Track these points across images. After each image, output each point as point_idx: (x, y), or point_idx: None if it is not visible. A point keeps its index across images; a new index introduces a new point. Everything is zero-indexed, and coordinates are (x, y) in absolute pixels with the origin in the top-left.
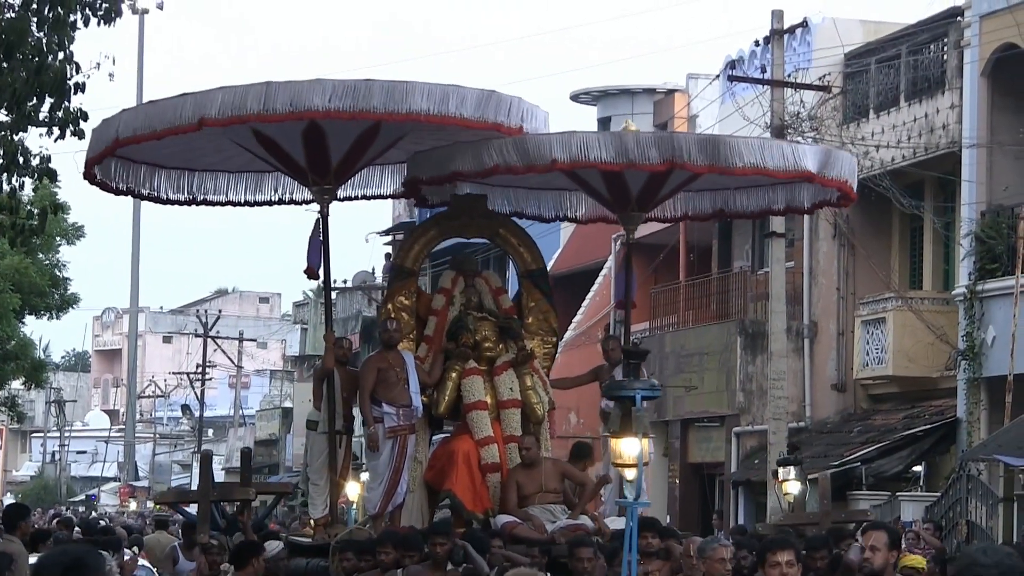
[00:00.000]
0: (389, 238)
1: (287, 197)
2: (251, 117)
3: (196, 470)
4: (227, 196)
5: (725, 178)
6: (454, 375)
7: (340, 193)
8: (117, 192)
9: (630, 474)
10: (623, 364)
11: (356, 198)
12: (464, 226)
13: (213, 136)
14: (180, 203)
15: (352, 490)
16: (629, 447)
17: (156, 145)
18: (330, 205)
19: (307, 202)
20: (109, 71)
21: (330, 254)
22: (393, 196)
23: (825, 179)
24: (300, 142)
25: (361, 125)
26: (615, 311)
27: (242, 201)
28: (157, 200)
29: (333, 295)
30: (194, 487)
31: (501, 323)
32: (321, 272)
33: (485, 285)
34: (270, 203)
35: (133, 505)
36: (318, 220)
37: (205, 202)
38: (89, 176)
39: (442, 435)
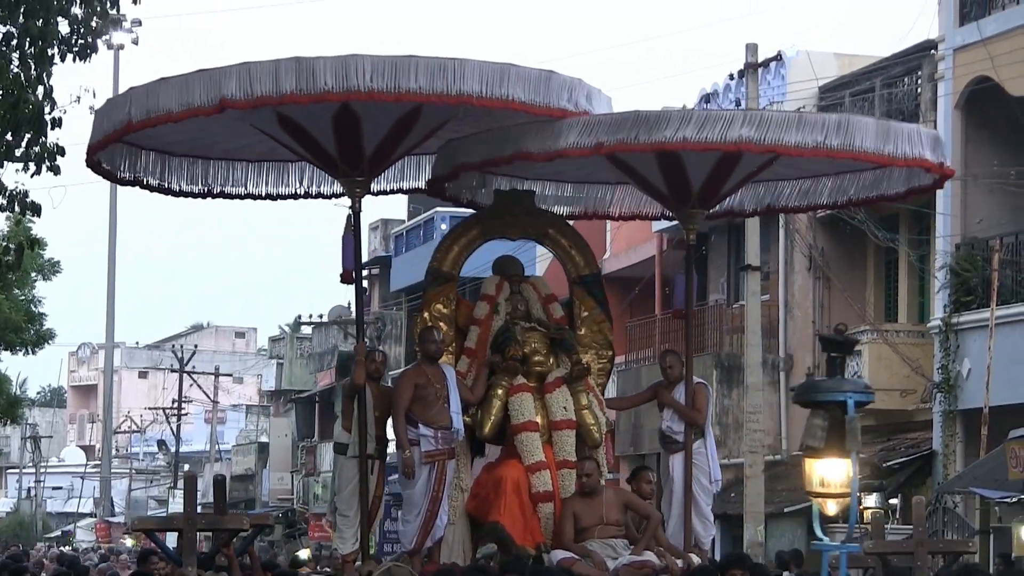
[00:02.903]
0: (365, 272)
1: (313, 190)
2: (281, 99)
3: (171, 502)
4: (247, 188)
5: (799, 167)
6: (500, 392)
7: (373, 187)
8: (122, 182)
9: (832, 507)
10: (826, 359)
11: (392, 191)
12: (508, 225)
13: (230, 120)
14: (193, 195)
15: None
16: (835, 471)
17: (166, 130)
18: (362, 200)
19: (336, 195)
20: (90, 104)
21: (361, 252)
22: (426, 191)
23: (928, 163)
24: (330, 128)
25: (400, 109)
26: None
27: (263, 194)
28: (168, 192)
29: (308, 329)
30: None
31: (553, 334)
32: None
33: (533, 292)
34: (295, 196)
35: (129, 542)
36: (349, 216)
37: (222, 195)
38: (92, 163)
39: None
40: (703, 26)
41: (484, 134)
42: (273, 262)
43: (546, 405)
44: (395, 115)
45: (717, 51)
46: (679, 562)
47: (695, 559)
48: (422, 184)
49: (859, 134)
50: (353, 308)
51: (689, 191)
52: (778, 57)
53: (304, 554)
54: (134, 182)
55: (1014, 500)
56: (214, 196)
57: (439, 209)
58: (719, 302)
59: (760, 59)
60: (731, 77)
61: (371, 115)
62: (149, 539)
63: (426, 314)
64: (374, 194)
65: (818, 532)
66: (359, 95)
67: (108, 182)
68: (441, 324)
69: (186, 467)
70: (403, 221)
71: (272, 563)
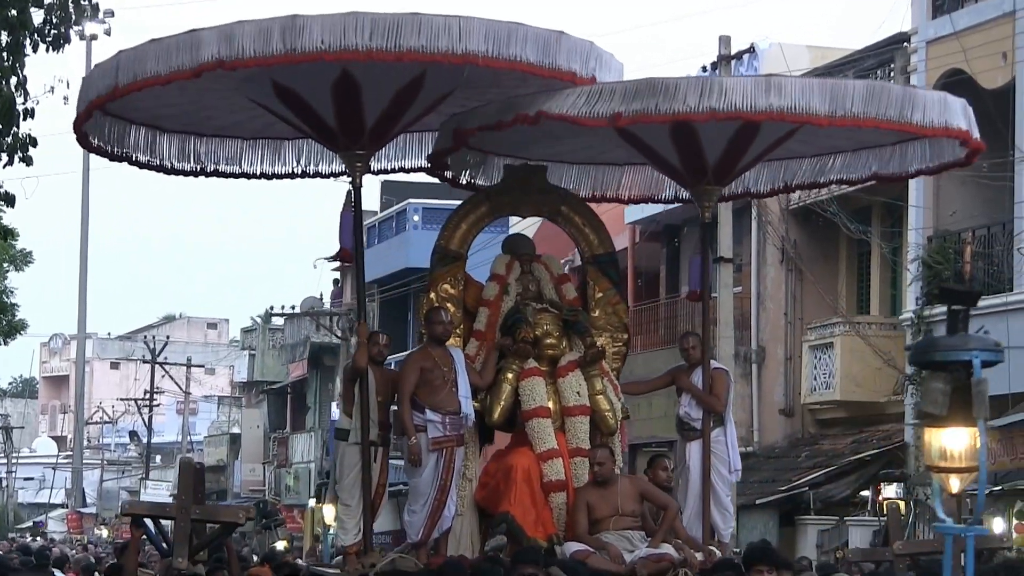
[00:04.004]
0: (336, 264)
1: (311, 168)
2: (273, 59)
3: (143, 493)
4: (241, 166)
5: (815, 142)
6: (510, 376)
7: (374, 164)
8: (111, 157)
9: (956, 483)
10: (948, 316)
11: (392, 170)
12: (519, 202)
13: (225, 92)
14: (186, 173)
15: (328, 513)
16: (958, 441)
17: (156, 101)
18: (363, 176)
19: (334, 175)
20: (64, 95)
21: (361, 230)
22: (426, 170)
23: (951, 131)
24: (329, 97)
25: (402, 78)
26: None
27: (259, 173)
28: (159, 169)
29: (280, 321)
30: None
31: (566, 316)
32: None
33: (544, 272)
34: (292, 175)
35: (105, 533)
36: (349, 193)
37: (216, 173)
38: (80, 135)
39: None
40: (687, 16)
41: (491, 104)
42: (245, 253)
43: (559, 390)
44: (397, 84)
45: (691, 42)
46: (698, 555)
47: (715, 552)
48: (424, 162)
49: (917, 105)
50: (326, 299)
51: (704, 167)
52: (751, 49)
53: (280, 545)
54: (123, 158)
55: (985, 492)
56: (207, 174)
57: (412, 201)
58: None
59: (733, 51)
60: (704, 69)
61: (372, 84)
62: (136, 527)
63: (432, 294)
64: (375, 172)
65: (939, 513)
66: (357, 54)
67: (95, 158)
68: (448, 305)
69: (158, 458)
70: (375, 213)
71: (272, 555)
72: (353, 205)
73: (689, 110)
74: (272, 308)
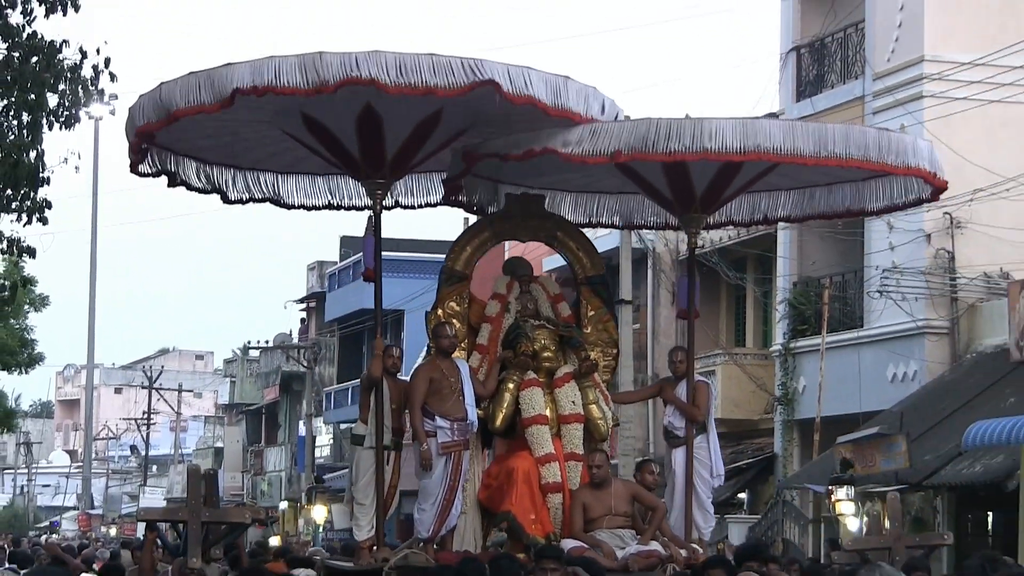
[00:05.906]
0: (304, 305)
1: (336, 202)
2: (286, 90)
3: (142, 498)
4: (279, 195)
5: (794, 176)
6: (511, 386)
7: (400, 200)
8: (158, 175)
9: None
10: None
11: (411, 207)
12: (518, 227)
13: (258, 124)
14: (241, 202)
15: (319, 514)
16: None
17: (195, 134)
18: (383, 202)
19: (360, 208)
20: (76, 164)
21: (381, 252)
22: (444, 202)
23: (920, 171)
24: (353, 129)
25: (421, 112)
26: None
27: (296, 204)
28: (203, 192)
29: (256, 353)
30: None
31: (562, 331)
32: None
33: (542, 291)
34: (318, 207)
35: (113, 531)
36: (370, 218)
37: (252, 200)
38: (136, 156)
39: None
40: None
41: (500, 139)
42: (227, 297)
43: (555, 399)
44: (416, 118)
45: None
46: (683, 552)
47: (698, 549)
48: (439, 196)
49: (867, 145)
50: (295, 335)
51: (692, 197)
52: None
53: (274, 541)
54: (171, 180)
55: None
56: (244, 203)
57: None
58: None
59: None
60: None
61: (393, 118)
62: (150, 530)
63: (439, 311)
64: (403, 207)
65: None
66: (373, 83)
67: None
68: (454, 320)
69: (154, 468)
70: (335, 262)
71: (287, 549)
72: (374, 230)
73: (685, 150)
74: (249, 342)
